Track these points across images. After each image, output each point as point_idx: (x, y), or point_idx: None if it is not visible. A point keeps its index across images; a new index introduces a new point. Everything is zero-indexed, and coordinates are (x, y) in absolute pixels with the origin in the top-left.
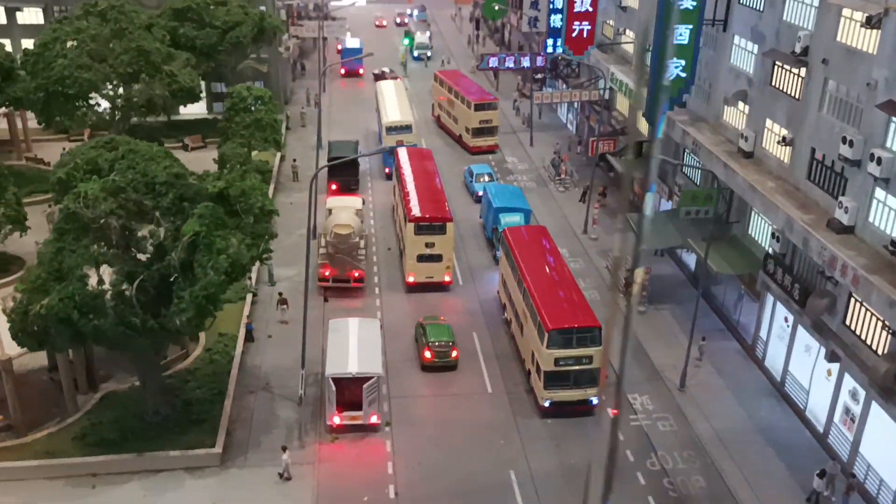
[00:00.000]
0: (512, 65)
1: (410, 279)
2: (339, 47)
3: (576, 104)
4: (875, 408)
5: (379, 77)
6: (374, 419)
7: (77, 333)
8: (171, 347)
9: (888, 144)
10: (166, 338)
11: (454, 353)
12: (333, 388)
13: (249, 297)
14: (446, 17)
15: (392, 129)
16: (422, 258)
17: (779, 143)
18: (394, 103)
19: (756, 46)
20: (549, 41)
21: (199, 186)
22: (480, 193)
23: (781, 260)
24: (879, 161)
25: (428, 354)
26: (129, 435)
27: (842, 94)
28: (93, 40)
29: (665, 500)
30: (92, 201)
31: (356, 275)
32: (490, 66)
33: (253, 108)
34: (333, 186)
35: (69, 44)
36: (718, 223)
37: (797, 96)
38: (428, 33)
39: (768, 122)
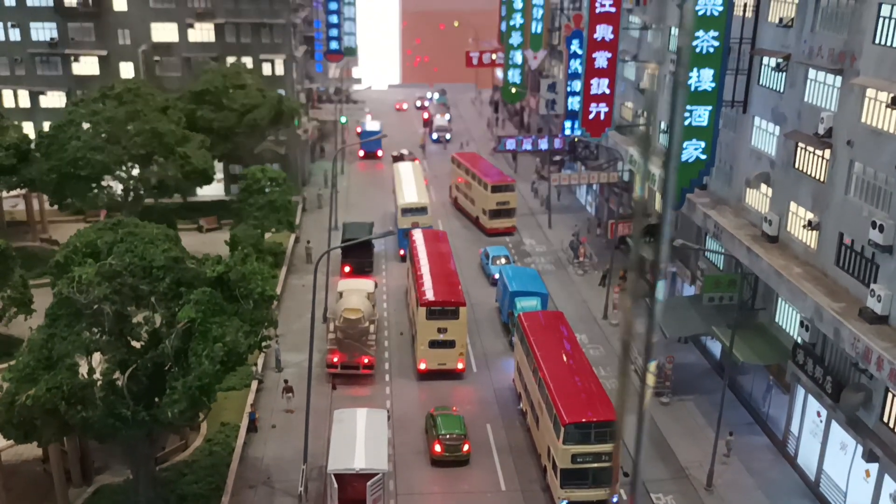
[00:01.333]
0: (530, 147)
1: (422, 366)
2: (359, 130)
3: (594, 186)
4: None
5: (398, 159)
6: None
7: (64, 424)
8: (170, 437)
9: None
10: (159, 429)
11: (466, 447)
12: (336, 485)
13: (255, 384)
14: (466, 100)
15: (407, 211)
16: (434, 344)
17: (804, 227)
18: (411, 185)
19: (777, 128)
20: (567, 123)
21: (197, 271)
22: (497, 276)
23: (811, 350)
24: None
25: (438, 448)
26: None
27: (869, 177)
28: (108, 122)
29: None
30: (86, 286)
31: (366, 361)
32: (507, 148)
33: (267, 190)
34: (347, 269)
35: (84, 126)
36: (743, 310)
37: (822, 179)
38: (448, 116)
39: (793, 206)
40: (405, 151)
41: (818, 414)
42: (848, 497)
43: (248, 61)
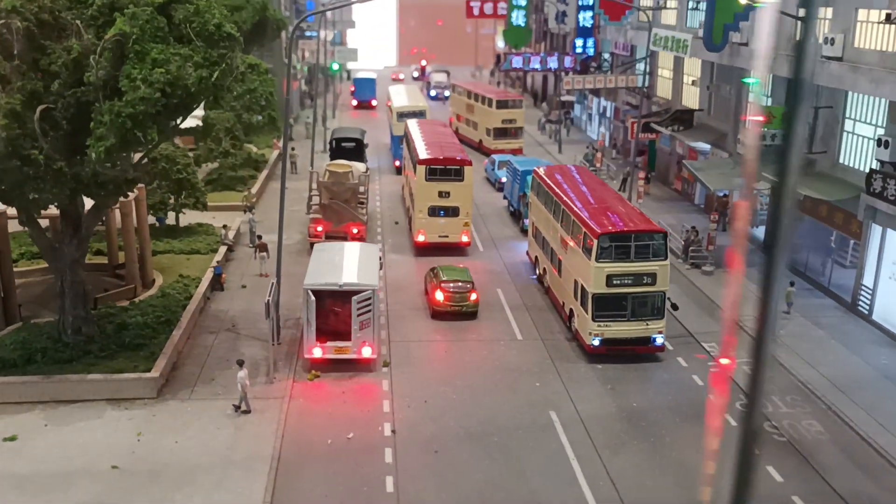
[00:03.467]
0: (538, 65)
1: (420, 238)
2: (353, 88)
3: (609, 115)
4: None
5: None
6: (366, 352)
7: None
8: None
9: None
10: (79, 194)
11: (473, 296)
12: (314, 303)
13: (223, 249)
14: (466, 75)
15: (403, 115)
16: (434, 211)
17: (880, 23)
18: (404, 93)
19: None
20: (579, 41)
21: None
22: (503, 180)
23: (893, 172)
24: None
25: (440, 297)
26: (38, 357)
27: None
28: None
29: (767, 443)
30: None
31: (355, 231)
32: (513, 66)
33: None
34: None
35: None
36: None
37: None
38: (446, 72)
39: (862, 14)
40: None
41: None
42: None
43: None
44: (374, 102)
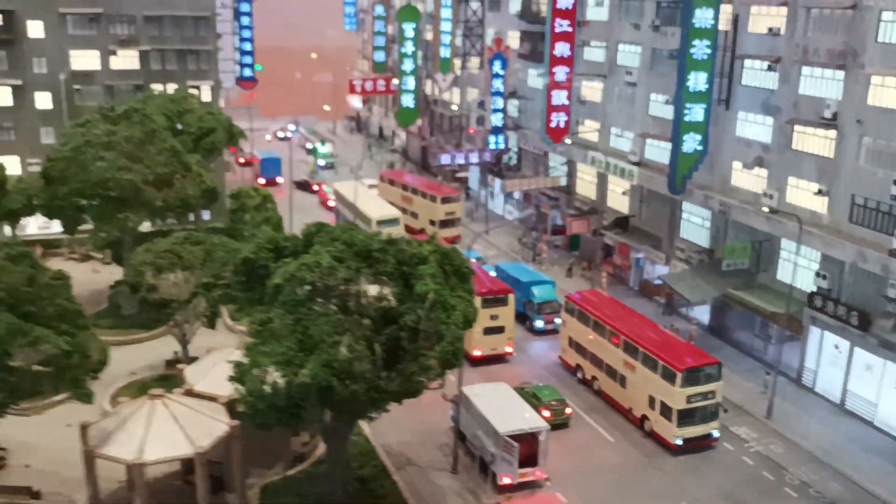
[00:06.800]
0: (462, 161)
1: (476, 353)
2: (256, 158)
3: (515, 195)
4: None
5: (301, 185)
6: (540, 474)
7: (326, 403)
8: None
9: None
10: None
11: (568, 410)
12: (514, 445)
13: None
14: (323, 130)
15: (382, 223)
16: (487, 331)
17: (814, 194)
18: (371, 199)
19: (770, 118)
20: (491, 138)
21: (412, 251)
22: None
23: (828, 295)
24: None
25: (547, 414)
26: None
27: (881, 147)
28: (128, 142)
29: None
30: (328, 270)
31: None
32: (442, 163)
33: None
34: None
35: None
36: (746, 274)
37: (829, 154)
38: (330, 145)
39: (792, 181)
40: (307, 177)
41: (836, 347)
42: (879, 406)
43: (172, 88)
44: (279, 179)
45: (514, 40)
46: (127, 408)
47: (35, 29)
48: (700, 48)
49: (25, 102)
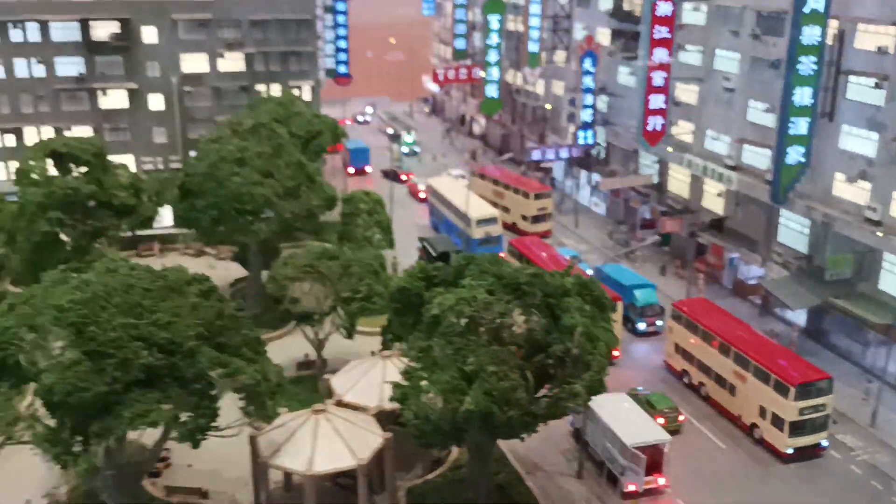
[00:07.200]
0: (553, 156)
1: None
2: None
3: (603, 191)
4: None
5: (387, 174)
6: (663, 482)
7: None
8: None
9: None
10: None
11: (681, 418)
12: (641, 457)
13: None
14: (398, 112)
15: (482, 222)
16: None
17: None
18: (470, 197)
19: (875, 134)
20: (581, 133)
21: (556, 283)
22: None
23: None
24: None
25: (661, 421)
26: None
27: None
28: (259, 157)
29: None
30: (484, 305)
31: None
32: (533, 158)
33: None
34: None
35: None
36: (846, 283)
37: None
38: (413, 133)
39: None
40: (392, 166)
41: None
42: None
43: (275, 88)
44: (368, 169)
45: (602, 36)
46: (293, 420)
47: (149, 35)
48: (807, 64)
49: (140, 104)
